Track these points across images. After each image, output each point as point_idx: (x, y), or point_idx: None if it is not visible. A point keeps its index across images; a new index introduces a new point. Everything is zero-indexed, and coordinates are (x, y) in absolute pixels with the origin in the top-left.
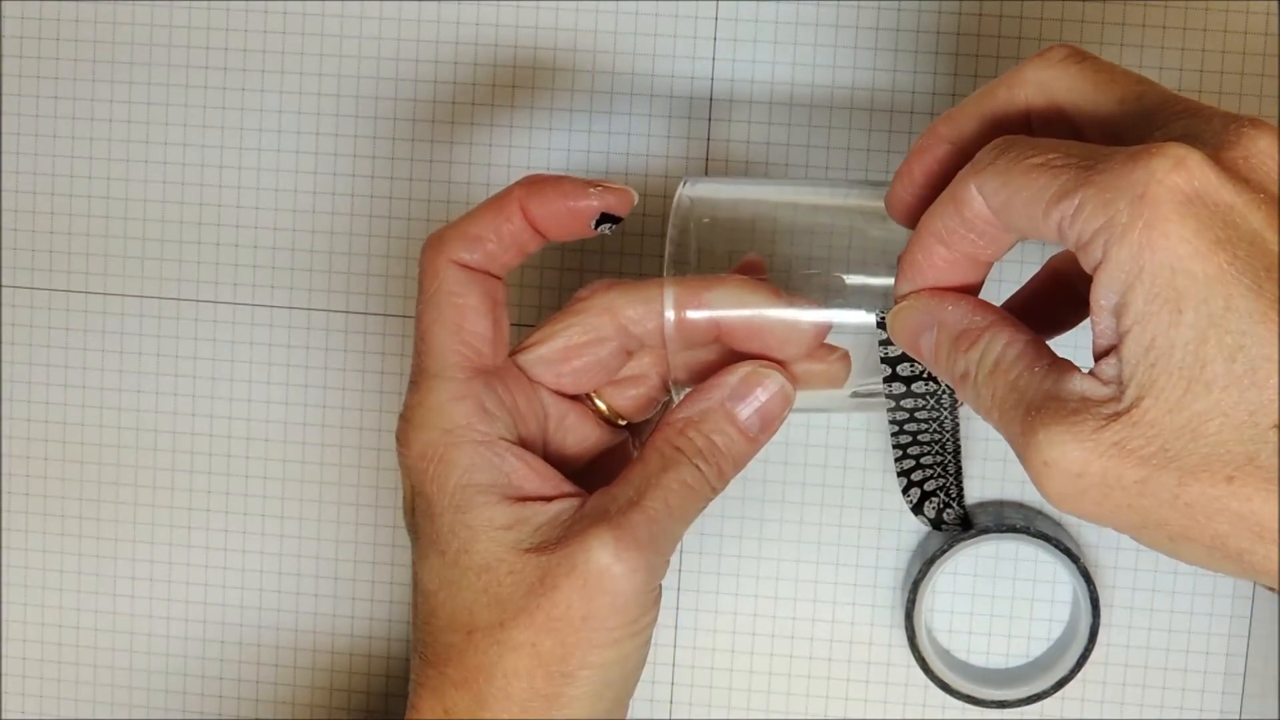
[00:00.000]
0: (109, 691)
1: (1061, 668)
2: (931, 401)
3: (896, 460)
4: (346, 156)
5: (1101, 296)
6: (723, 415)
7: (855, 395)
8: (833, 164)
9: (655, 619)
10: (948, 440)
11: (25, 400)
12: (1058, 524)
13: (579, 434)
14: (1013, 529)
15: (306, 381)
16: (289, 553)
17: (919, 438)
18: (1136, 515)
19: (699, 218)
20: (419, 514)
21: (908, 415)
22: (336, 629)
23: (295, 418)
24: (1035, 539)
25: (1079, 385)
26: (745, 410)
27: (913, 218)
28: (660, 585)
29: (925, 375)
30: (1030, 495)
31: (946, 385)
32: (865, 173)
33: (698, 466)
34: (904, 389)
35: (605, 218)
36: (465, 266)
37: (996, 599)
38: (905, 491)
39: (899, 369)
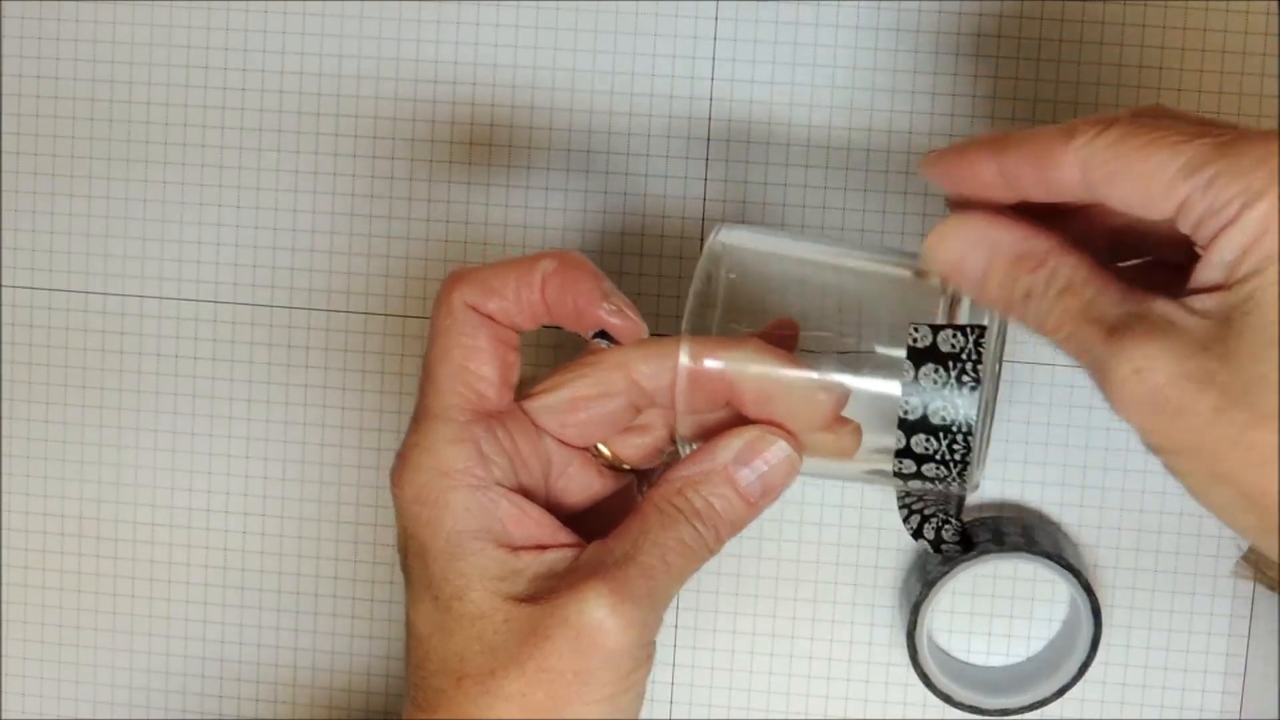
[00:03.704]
0: (109, 691)
1: (1063, 675)
2: (940, 487)
3: (899, 496)
4: (347, 156)
5: (1220, 252)
6: (724, 479)
7: (863, 471)
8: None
9: (648, 674)
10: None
11: (25, 400)
12: (1056, 526)
13: (582, 481)
14: (1014, 549)
15: (307, 381)
16: (289, 552)
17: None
18: (1195, 440)
19: (727, 269)
20: (412, 556)
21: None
22: (337, 629)
23: (295, 418)
24: (1036, 558)
25: (1167, 310)
26: (748, 476)
27: (947, 171)
28: (654, 642)
29: (938, 457)
30: (1029, 495)
31: (957, 473)
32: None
33: (695, 527)
34: (914, 468)
35: (603, 333)
36: (478, 311)
37: (996, 598)
38: (905, 520)
39: (913, 442)
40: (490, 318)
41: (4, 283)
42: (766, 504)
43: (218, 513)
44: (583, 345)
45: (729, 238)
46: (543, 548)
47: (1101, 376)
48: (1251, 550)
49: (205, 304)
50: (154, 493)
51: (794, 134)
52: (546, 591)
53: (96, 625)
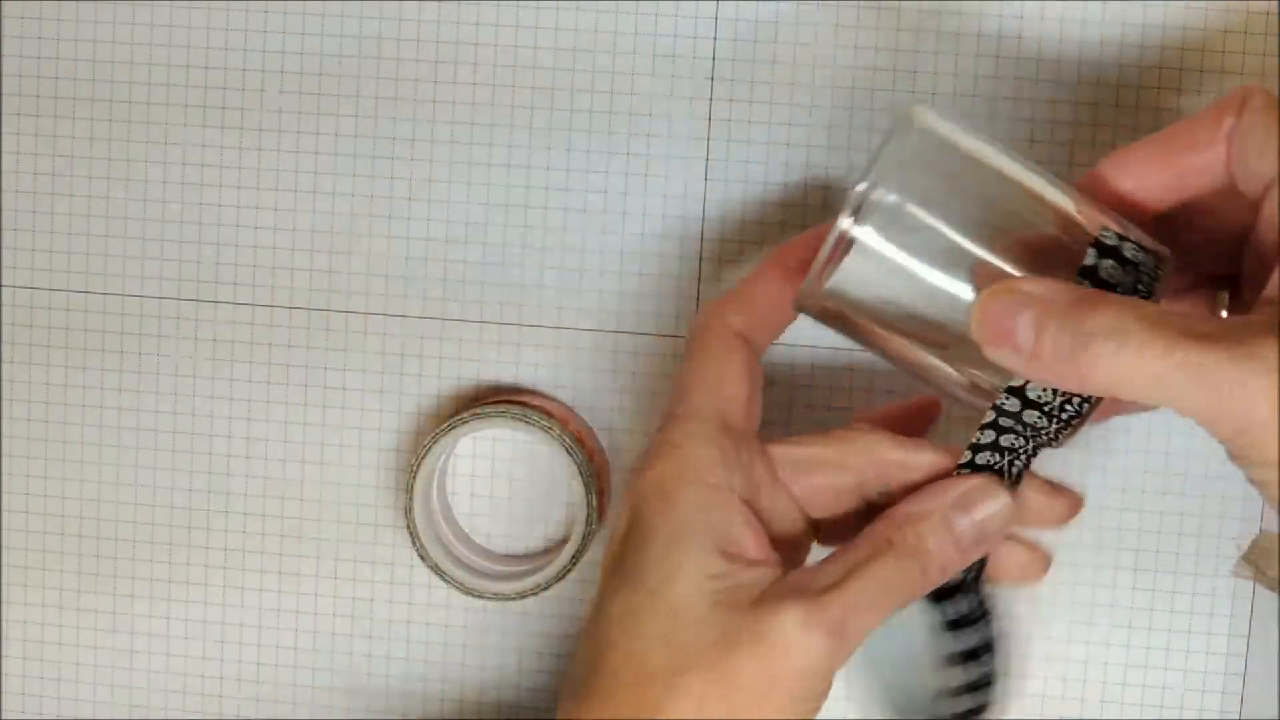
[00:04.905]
0: (109, 691)
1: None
2: (1031, 432)
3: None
4: (347, 156)
5: None
6: (941, 521)
7: (969, 388)
8: (833, 163)
9: (823, 704)
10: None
11: (25, 400)
12: None
13: (783, 523)
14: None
15: (306, 381)
16: (289, 552)
17: (1000, 440)
18: None
19: (922, 154)
20: (630, 542)
21: (1010, 423)
22: (337, 629)
23: (295, 418)
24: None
25: (1270, 314)
26: (964, 522)
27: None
28: (836, 673)
29: (1121, 288)
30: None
31: (1055, 427)
32: None
33: (905, 565)
34: (1019, 405)
35: None
36: (735, 332)
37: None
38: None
39: (1102, 266)
40: (746, 337)
41: (4, 283)
42: (978, 553)
43: (218, 513)
44: None
45: (927, 121)
46: (755, 562)
47: (1229, 390)
48: (1252, 550)
49: (205, 304)
50: (154, 492)
51: (794, 128)
52: (745, 603)
53: (96, 625)
